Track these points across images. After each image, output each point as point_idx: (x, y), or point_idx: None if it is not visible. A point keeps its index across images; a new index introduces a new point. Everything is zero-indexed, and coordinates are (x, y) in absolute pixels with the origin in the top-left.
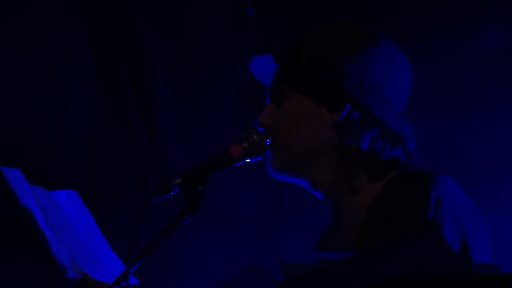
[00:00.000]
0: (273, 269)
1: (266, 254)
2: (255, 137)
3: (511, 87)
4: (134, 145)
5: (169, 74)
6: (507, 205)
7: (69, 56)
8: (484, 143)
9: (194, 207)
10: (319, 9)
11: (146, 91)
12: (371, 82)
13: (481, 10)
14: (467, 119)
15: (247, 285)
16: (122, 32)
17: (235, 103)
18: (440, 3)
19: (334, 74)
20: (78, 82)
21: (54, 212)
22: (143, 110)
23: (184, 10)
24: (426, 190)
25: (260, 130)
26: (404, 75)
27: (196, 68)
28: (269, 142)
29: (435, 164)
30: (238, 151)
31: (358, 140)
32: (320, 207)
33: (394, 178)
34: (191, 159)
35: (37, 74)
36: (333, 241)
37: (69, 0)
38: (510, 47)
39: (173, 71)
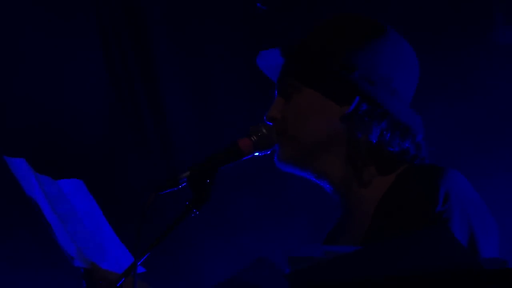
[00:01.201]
0: (281, 262)
1: (274, 247)
2: (264, 130)
3: None
4: (143, 138)
5: (178, 69)
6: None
7: (81, 57)
8: (493, 140)
9: (202, 201)
10: (329, 4)
11: (155, 85)
12: (380, 74)
13: (491, 6)
14: (477, 115)
15: (255, 278)
16: (132, 30)
17: (244, 97)
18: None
19: (342, 67)
20: (89, 80)
21: (60, 201)
22: (151, 102)
23: (194, 3)
24: (435, 185)
25: (268, 123)
26: (412, 67)
27: (205, 62)
28: (277, 135)
29: (443, 157)
30: (247, 144)
31: (368, 132)
32: (328, 200)
33: (403, 172)
34: (200, 152)
35: (50, 72)
36: (342, 234)
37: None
38: None
39: (182, 66)
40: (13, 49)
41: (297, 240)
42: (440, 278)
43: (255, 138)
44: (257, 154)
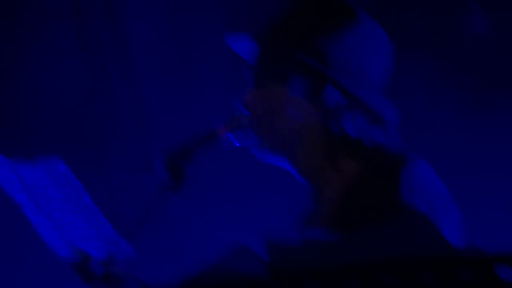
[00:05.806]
0: (261, 251)
1: (251, 235)
2: (237, 113)
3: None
4: (119, 121)
5: (156, 52)
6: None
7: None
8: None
9: (177, 184)
10: None
11: (130, 57)
12: (354, 63)
13: None
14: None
15: (234, 266)
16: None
17: (221, 82)
18: None
19: (315, 56)
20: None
21: (40, 189)
22: (126, 78)
23: None
24: (399, 172)
25: (241, 108)
26: (385, 52)
27: (183, 47)
28: (251, 122)
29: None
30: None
31: (342, 123)
32: (305, 190)
33: (371, 159)
34: (175, 137)
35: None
36: (313, 221)
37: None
38: (497, 34)
39: (160, 48)
40: None
41: (274, 222)
42: (415, 264)
43: (227, 119)
44: (229, 135)
